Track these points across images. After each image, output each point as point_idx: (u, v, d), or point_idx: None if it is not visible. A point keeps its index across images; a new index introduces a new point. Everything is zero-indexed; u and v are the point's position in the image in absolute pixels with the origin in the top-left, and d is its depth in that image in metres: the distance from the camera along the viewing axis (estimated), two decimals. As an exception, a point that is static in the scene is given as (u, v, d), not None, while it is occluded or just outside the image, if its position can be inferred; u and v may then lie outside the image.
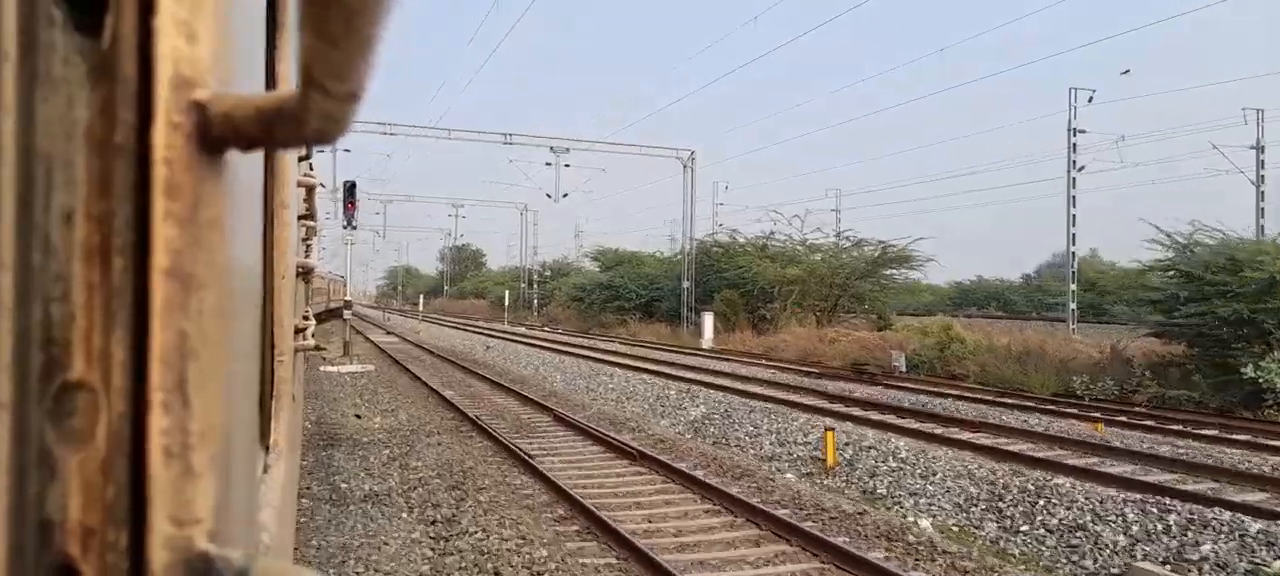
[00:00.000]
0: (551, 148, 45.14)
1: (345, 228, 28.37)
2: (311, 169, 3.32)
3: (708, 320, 38.31)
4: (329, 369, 25.04)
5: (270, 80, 1.43)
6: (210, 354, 0.48)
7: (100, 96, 0.45)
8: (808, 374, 25.00)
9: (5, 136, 0.43)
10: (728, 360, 29.27)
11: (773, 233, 43.99)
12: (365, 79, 0.44)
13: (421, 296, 55.76)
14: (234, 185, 0.54)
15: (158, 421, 0.45)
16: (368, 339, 39.99)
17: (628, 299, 49.71)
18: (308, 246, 3.64)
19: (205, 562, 0.46)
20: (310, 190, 3.28)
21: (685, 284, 44.21)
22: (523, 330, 48.77)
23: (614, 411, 18.13)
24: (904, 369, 25.02)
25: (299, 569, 0.47)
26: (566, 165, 46.12)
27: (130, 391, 0.45)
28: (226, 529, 0.50)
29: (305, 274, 3.34)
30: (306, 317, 3.12)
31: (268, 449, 1.53)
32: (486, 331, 45.94)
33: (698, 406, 17.84)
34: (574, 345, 34.80)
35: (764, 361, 29.35)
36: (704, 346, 36.14)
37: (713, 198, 51.84)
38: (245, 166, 0.66)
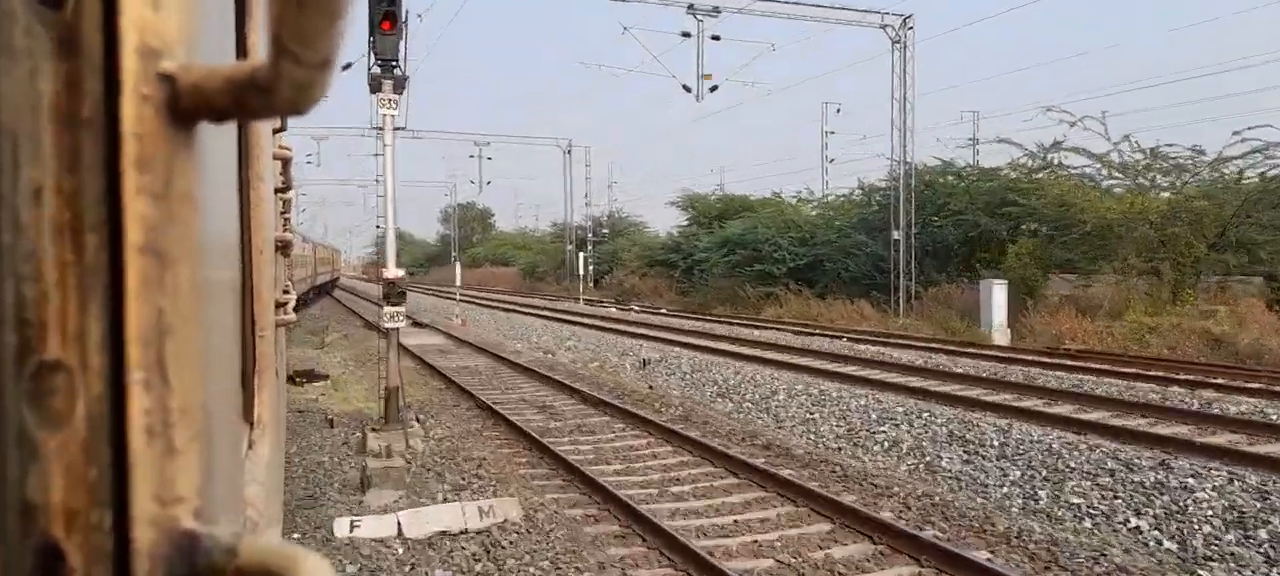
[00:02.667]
0: (691, 6, 27.69)
1: (381, 98, 11.19)
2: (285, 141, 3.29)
3: (998, 294, 22.77)
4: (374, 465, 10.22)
5: (241, 49, 1.40)
6: (188, 330, 0.47)
7: (65, 68, 0.43)
8: None
9: None
10: (1160, 377, 14.56)
11: (1058, 145, 26.90)
12: (337, 45, 0.43)
13: (458, 264, 43.37)
14: (206, 158, 0.53)
15: (138, 400, 0.45)
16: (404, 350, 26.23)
17: (776, 262, 33.80)
18: (285, 220, 3.60)
19: (191, 541, 0.46)
20: (286, 162, 3.24)
21: (895, 234, 28.33)
22: (614, 311, 35.42)
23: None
24: None
25: (287, 544, 0.46)
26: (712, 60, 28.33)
27: (108, 370, 0.44)
28: (211, 506, 0.49)
29: (284, 247, 3.31)
30: (287, 292, 3.10)
31: (252, 425, 1.53)
32: (558, 314, 32.77)
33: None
34: (780, 348, 20.36)
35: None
36: (997, 340, 21.67)
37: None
38: (218, 138, 0.65)
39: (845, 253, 32.78)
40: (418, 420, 12.64)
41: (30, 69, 0.43)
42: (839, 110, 44.01)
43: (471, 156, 54.12)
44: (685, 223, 46.10)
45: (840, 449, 11.31)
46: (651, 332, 24.49)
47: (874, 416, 12.34)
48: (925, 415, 11.98)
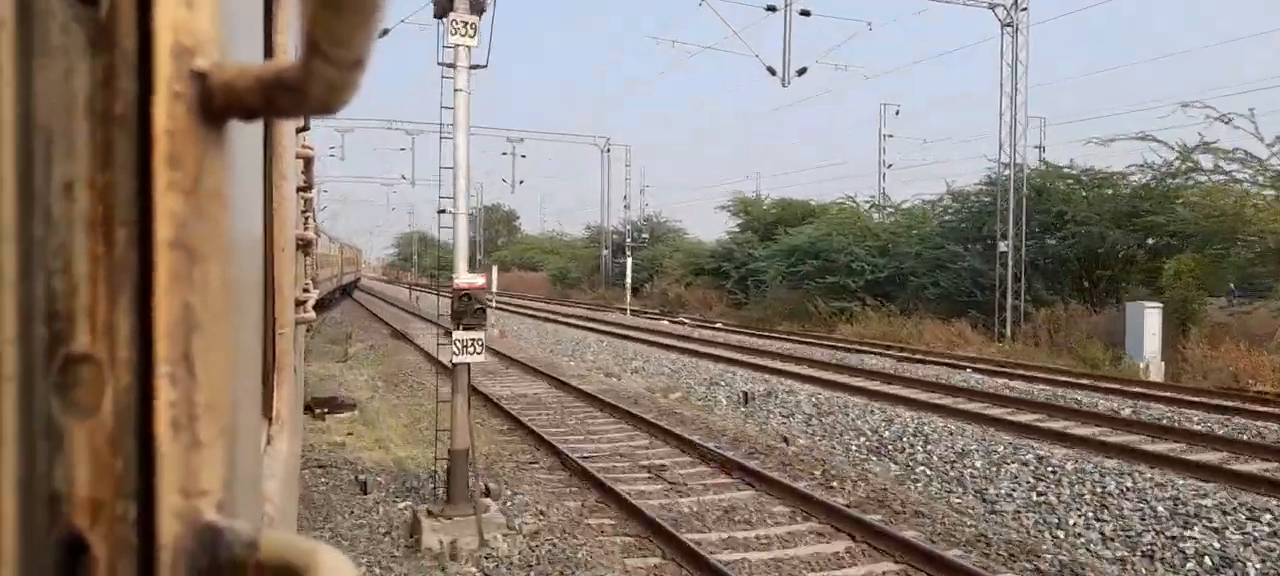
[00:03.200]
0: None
1: (452, 21, 8.11)
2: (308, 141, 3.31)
3: (1152, 320, 19.36)
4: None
5: (268, 49, 1.41)
6: (215, 326, 0.48)
7: (100, 66, 0.44)
8: None
9: (4, 107, 0.42)
10: None
11: (1206, 146, 22.65)
12: (369, 46, 0.43)
13: (494, 268, 39.34)
14: (235, 156, 0.53)
15: (164, 393, 0.45)
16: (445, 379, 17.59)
17: (852, 274, 30.20)
18: (306, 218, 3.63)
19: (213, 534, 0.46)
20: (308, 161, 3.26)
21: (1001, 245, 24.85)
22: (665, 324, 32.06)
23: None
24: None
25: (305, 539, 0.47)
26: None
27: (136, 364, 0.45)
28: (234, 500, 0.50)
29: (305, 246, 3.33)
30: (307, 290, 3.12)
31: (271, 421, 1.54)
32: (607, 327, 29.34)
33: None
34: (899, 380, 16.93)
35: None
36: (1152, 375, 18.47)
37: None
38: (246, 137, 0.65)
39: (935, 265, 28.69)
40: (488, 492, 8.71)
41: (65, 66, 0.44)
42: (898, 111, 41.11)
43: (504, 154, 51.26)
44: (735, 229, 42.95)
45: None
46: (724, 354, 21.05)
47: (1161, 512, 8.53)
48: (1237, 510, 8.31)
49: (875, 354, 21.89)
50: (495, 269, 31.19)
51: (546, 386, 17.19)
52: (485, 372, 17.75)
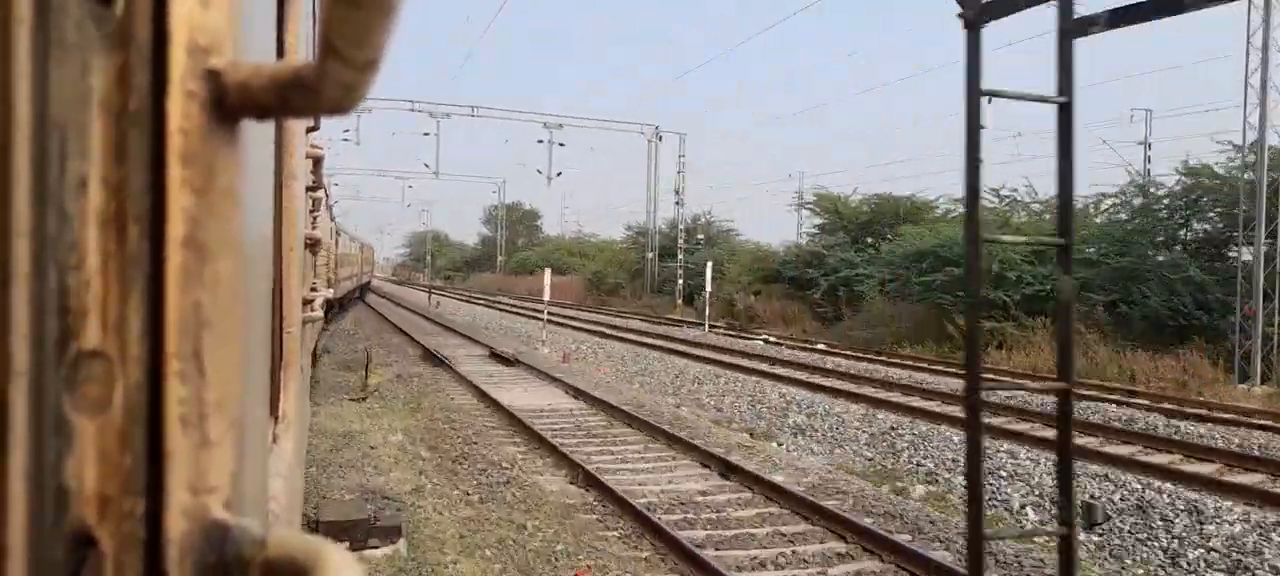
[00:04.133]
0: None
1: None
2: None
3: None
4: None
5: (279, 49, 1.42)
6: (225, 323, 0.48)
7: (115, 63, 0.44)
8: None
9: (19, 103, 0.43)
10: None
11: None
12: (384, 46, 0.44)
13: (546, 273, 28.28)
14: (248, 155, 0.53)
15: (174, 390, 0.45)
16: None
17: (1006, 286, 23.75)
18: (314, 217, 3.64)
19: (221, 531, 0.46)
20: (318, 161, 3.28)
21: (1245, 253, 19.79)
22: (760, 346, 25.77)
23: None
24: None
25: (314, 537, 0.47)
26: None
27: (146, 360, 0.45)
28: (242, 498, 0.50)
29: (312, 245, 3.34)
30: (314, 289, 3.13)
31: (277, 420, 1.54)
32: (691, 350, 23.50)
33: None
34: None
35: None
36: None
37: None
38: (257, 136, 0.66)
39: (1127, 275, 22.23)
40: None
41: (81, 63, 0.44)
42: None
43: (540, 142, 45.06)
44: (814, 230, 37.34)
45: None
46: (900, 399, 15.19)
47: None
48: None
49: (1104, 398, 15.71)
50: (548, 275, 25.83)
51: (711, 478, 9.78)
52: (584, 433, 12.04)
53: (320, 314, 3.27)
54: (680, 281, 41.27)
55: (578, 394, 15.31)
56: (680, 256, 43.56)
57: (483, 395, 14.97)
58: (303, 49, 1.68)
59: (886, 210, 34.76)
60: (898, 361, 22.19)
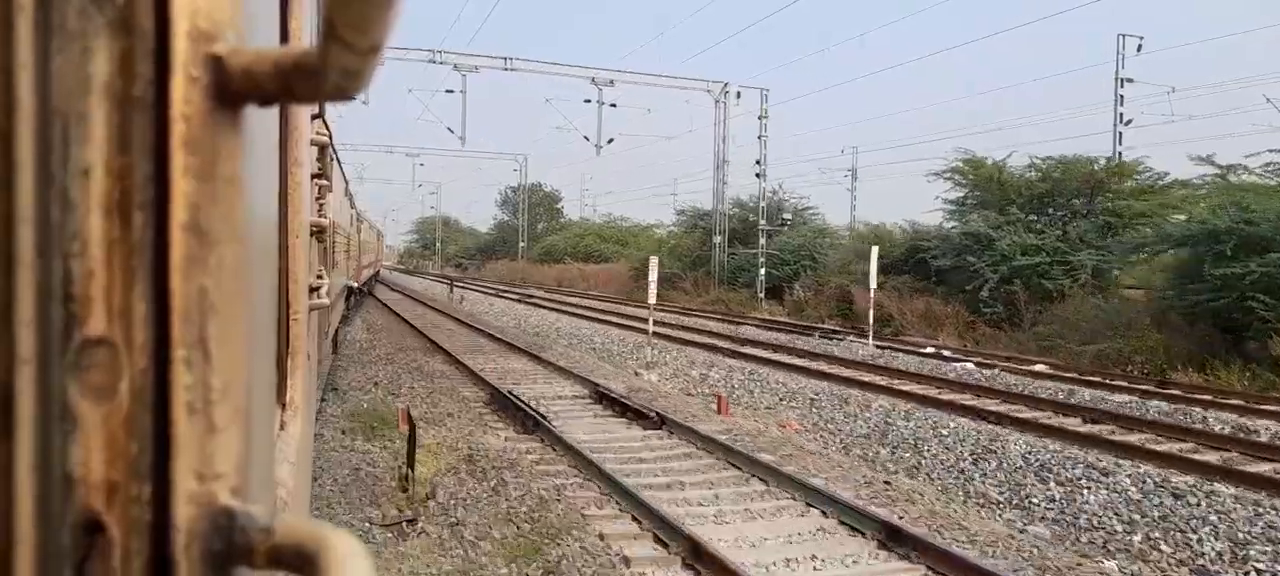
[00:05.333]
0: None
1: None
2: (326, 127, 3.32)
3: None
4: None
5: (283, 35, 1.42)
6: (230, 310, 0.48)
7: (118, 49, 0.44)
8: None
9: (22, 90, 0.42)
10: None
11: None
12: (388, 32, 0.43)
13: (653, 263, 18.66)
14: (251, 141, 0.53)
15: (180, 377, 0.45)
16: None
17: None
18: (320, 205, 3.64)
19: (228, 517, 0.46)
20: (323, 149, 3.27)
21: None
22: (972, 370, 17.13)
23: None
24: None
25: (321, 524, 0.47)
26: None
27: (152, 347, 0.45)
28: (249, 484, 0.50)
29: (319, 233, 3.35)
30: (320, 276, 3.13)
31: (284, 406, 1.55)
32: (877, 379, 15.78)
33: None
34: None
35: None
36: None
37: None
38: (262, 122, 0.65)
39: None
40: None
41: (83, 49, 0.44)
42: (1140, 47, 26.99)
43: (587, 101, 36.32)
44: (950, 205, 28.65)
45: None
46: None
47: None
48: None
49: None
50: (654, 266, 18.58)
51: None
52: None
53: (327, 301, 3.27)
54: (762, 271, 33.92)
55: (896, 537, 6.85)
56: (762, 241, 35.31)
57: (674, 533, 6.79)
58: (306, 35, 1.67)
59: (1075, 176, 25.35)
60: (1211, 396, 14.16)
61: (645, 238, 57.18)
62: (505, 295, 42.46)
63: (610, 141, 38.64)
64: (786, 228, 37.81)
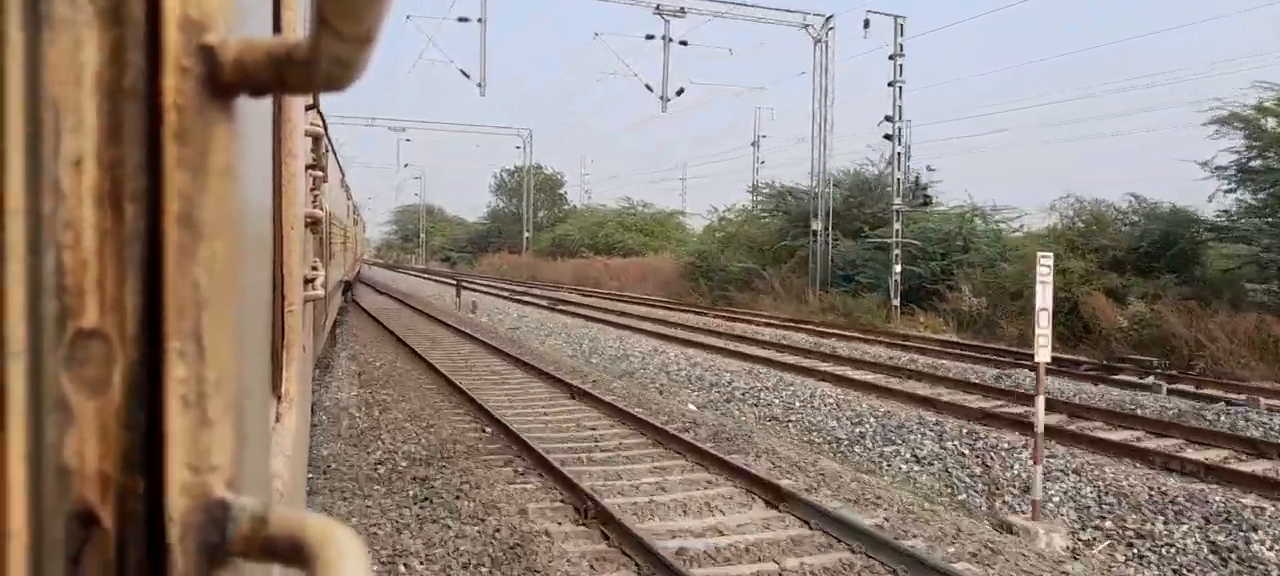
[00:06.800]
0: None
1: None
2: (321, 117, 3.31)
3: None
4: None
5: (275, 24, 1.41)
6: (223, 302, 0.48)
7: (108, 39, 0.44)
8: None
9: (11, 80, 0.42)
10: None
11: None
12: (380, 21, 0.43)
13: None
14: (244, 132, 0.53)
15: (173, 369, 0.45)
16: None
17: None
18: (315, 196, 3.63)
19: (223, 509, 0.46)
20: (317, 139, 3.27)
21: None
22: None
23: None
24: None
25: (315, 515, 0.47)
26: None
27: (144, 339, 0.45)
28: (243, 476, 0.50)
29: (313, 224, 3.34)
30: (315, 268, 3.13)
31: (279, 398, 1.55)
32: None
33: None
34: None
35: None
36: None
37: None
38: (255, 113, 0.65)
39: None
40: None
41: (74, 39, 0.43)
42: None
43: (649, 37, 28.49)
44: (1231, 180, 19.43)
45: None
46: None
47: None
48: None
49: None
50: (1048, 265, 7.83)
51: None
52: None
53: (322, 292, 3.27)
54: (897, 269, 24.52)
55: None
56: (896, 225, 25.07)
57: None
58: (299, 25, 1.67)
59: None
60: None
61: (671, 224, 50.62)
62: (521, 298, 34.01)
63: (680, 92, 29.85)
64: (928, 206, 26.97)
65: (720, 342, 19.73)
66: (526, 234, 57.91)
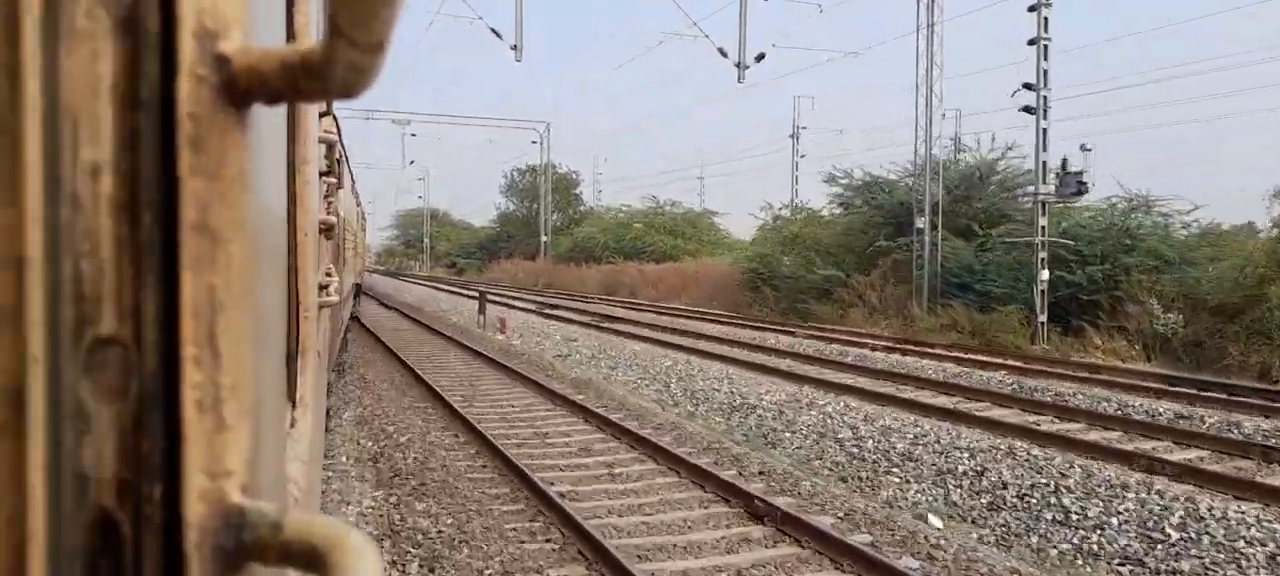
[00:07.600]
0: None
1: None
2: (335, 123, 3.33)
3: None
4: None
5: (289, 32, 1.42)
6: (239, 308, 0.48)
7: (124, 49, 0.44)
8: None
9: (30, 91, 0.43)
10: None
11: None
12: (392, 28, 0.43)
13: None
14: (258, 139, 0.53)
15: (189, 376, 0.45)
16: None
17: None
18: (329, 203, 3.65)
19: (239, 515, 0.47)
20: (331, 146, 3.28)
21: None
22: None
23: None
24: None
25: (331, 519, 0.47)
26: None
27: (161, 346, 0.45)
28: (259, 481, 0.50)
29: (327, 230, 3.36)
30: (330, 274, 3.15)
31: (294, 404, 1.55)
32: None
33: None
34: None
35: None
36: None
37: None
38: (269, 121, 0.66)
39: None
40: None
41: (90, 50, 0.44)
42: None
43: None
44: None
45: None
46: None
47: None
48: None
49: None
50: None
51: None
52: None
53: (336, 298, 3.28)
54: (1042, 276, 19.21)
55: None
56: (1040, 221, 19.60)
57: None
58: (312, 32, 1.68)
59: None
60: None
61: (704, 224, 44.89)
62: (556, 312, 28.81)
63: (760, 57, 24.17)
64: (1080, 196, 21.00)
65: (871, 384, 14.26)
66: (545, 238, 52.40)
